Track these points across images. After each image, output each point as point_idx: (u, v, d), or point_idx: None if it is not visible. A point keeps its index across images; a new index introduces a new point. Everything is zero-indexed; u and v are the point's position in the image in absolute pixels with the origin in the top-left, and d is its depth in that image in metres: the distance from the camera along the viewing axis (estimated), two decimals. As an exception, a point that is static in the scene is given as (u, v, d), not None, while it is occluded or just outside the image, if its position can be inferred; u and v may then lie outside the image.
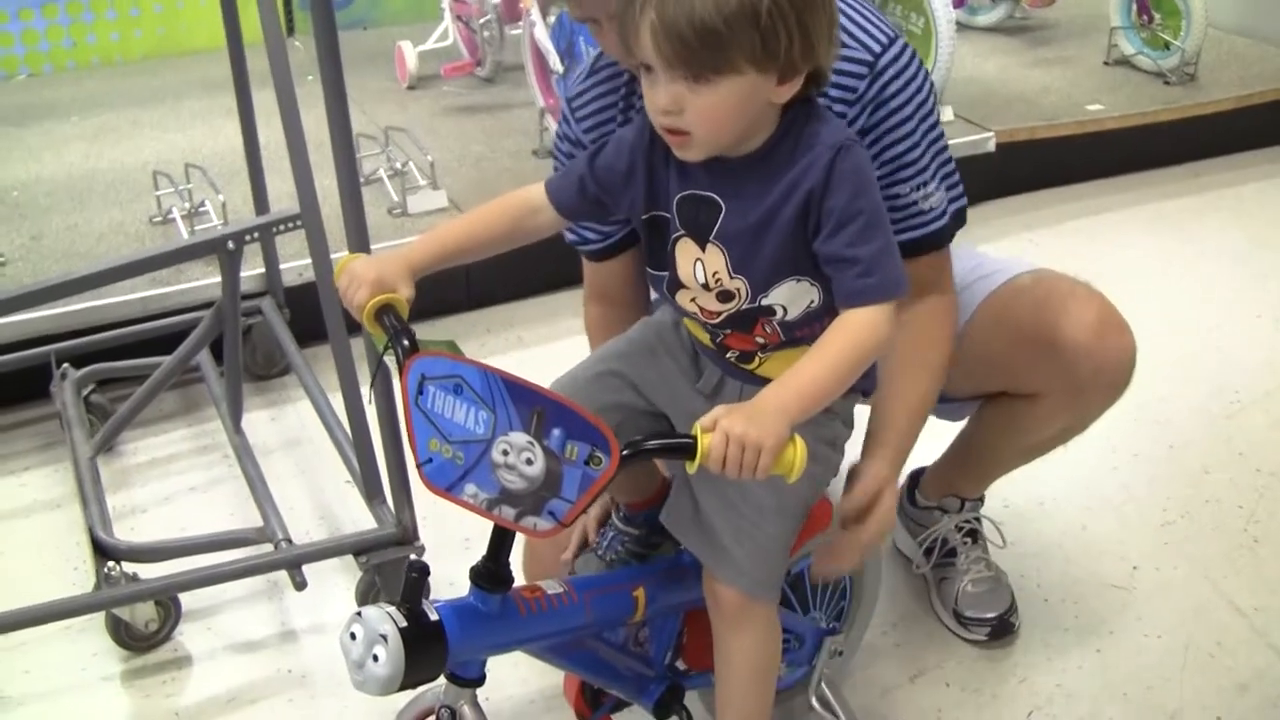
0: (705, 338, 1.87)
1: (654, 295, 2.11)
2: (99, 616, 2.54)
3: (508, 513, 1.55)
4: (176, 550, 2.62)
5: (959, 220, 2.13)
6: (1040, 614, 2.65)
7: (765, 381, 1.76)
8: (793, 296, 1.74)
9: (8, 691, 2.48)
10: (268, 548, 2.59)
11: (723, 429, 1.53)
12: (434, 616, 1.62)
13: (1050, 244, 4.25)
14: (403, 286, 1.74)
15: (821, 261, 1.69)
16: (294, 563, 2.53)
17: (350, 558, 2.59)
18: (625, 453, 1.52)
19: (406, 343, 1.66)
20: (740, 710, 1.97)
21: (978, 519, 2.66)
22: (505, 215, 1.84)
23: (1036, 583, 2.73)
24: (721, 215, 1.71)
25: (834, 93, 1.94)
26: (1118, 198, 4.69)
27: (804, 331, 1.78)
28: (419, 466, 1.59)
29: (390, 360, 1.70)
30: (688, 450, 1.54)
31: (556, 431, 1.49)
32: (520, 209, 1.84)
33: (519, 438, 1.51)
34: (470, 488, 1.56)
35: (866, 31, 1.98)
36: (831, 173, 1.64)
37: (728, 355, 1.87)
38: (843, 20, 1.90)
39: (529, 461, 1.51)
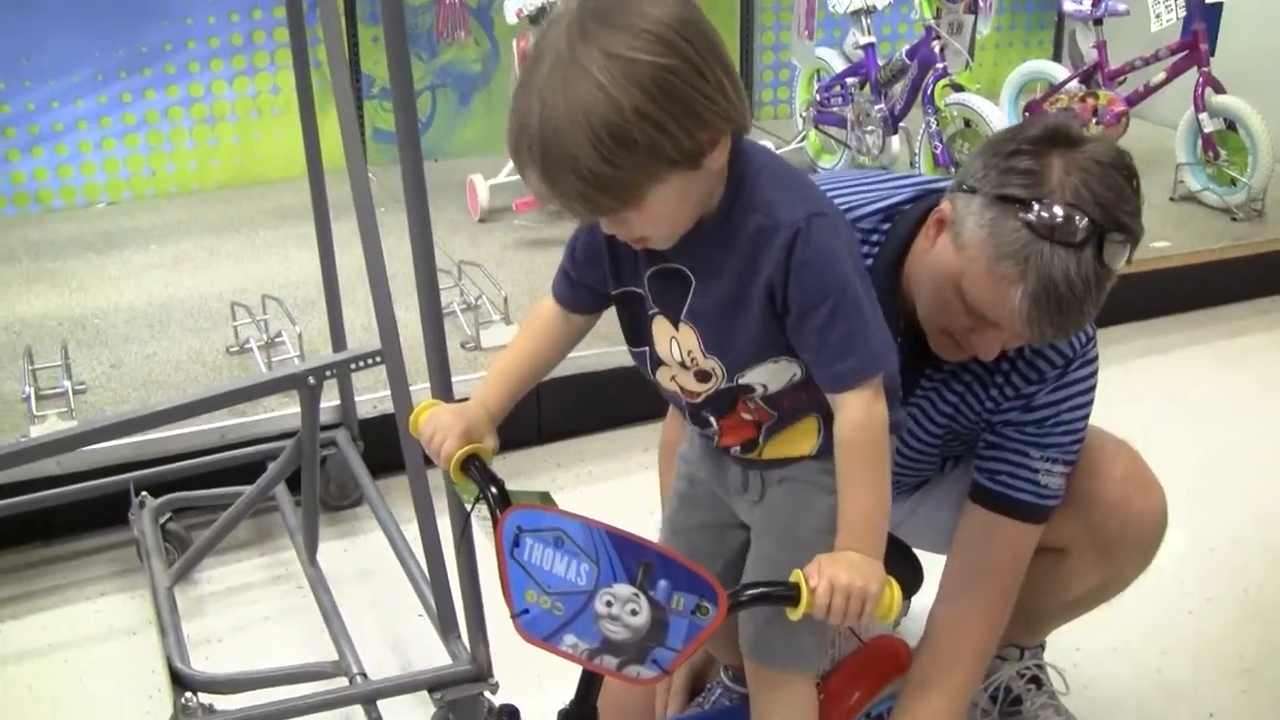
0: (710, 441, 1.88)
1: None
2: (175, 746, 2.56)
3: (610, 662, 1.57)
4: (252, 682, 2.64)
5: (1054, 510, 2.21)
6: (1115, 761, 2.63)
7: (779, 466, 1.84)
8: (772, 374, 1.73)
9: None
10: (342, 681, 2.61)
11: (828, 579, 1.59)
12: None
13: (1113, 381, 4.20)
14: (488, 436, 1.78)
15: (797, 348, 1.69)
16: (369, 698, 2.55)
17: (424, 692, 2.60)
18: (731, 603, 1.55)
19: (497, 491, 1.68)
20: None
21: (1040, 665, 2.64)
22: (544, 335, 1.87)
23: (1111, 728, 2.71)
24: (691, 288, 1.69)
25: (1022, 367, 2.11)
26: (1183, 335, 4.69)
27: (791, 400, 1.77)
28: (514, 617, 1.60)
29: (476, 509, 1.73)
30: (791, 599, 1.60)
31: (663, 583, 1.52)
32: (550, 322, 1.87)
33: (624, 589, 1.53)
34: (570, 638, 1.57)
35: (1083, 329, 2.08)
36: (791, 258, 1.61)
37: (731, 452, 1.87)
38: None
39: (634, 612, 1.53)
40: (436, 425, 1.76)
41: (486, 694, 2.58)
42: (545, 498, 1.68)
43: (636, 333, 1.82)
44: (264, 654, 2.91)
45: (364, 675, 2.61)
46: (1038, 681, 2.62)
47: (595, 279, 1.81)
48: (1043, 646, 2.65)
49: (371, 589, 3.18)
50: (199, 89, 5.44)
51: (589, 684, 1.69)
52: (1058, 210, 1.83)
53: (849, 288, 1.64)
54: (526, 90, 1.50)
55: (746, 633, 1.95)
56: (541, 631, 1.59)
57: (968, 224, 1.93)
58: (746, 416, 1.80)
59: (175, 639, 2.70)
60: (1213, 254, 4.83)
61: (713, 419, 1.83)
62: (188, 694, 2.52)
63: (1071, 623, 2.58)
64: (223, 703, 2.55)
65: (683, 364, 1.76)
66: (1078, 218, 1.83)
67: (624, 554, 1.53)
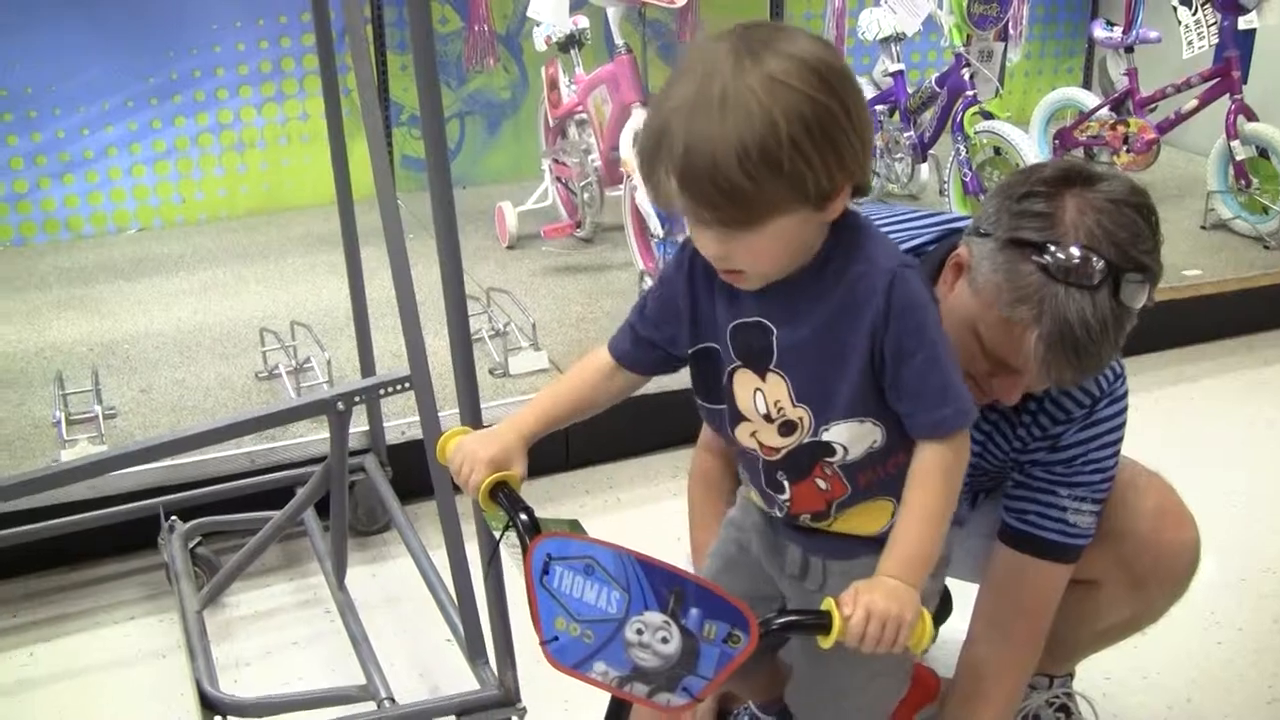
0: (776, 513, 1.85)
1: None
2: (203, 770, 2.56)
3: (640, 689, 1.56)
4: (281, 706, 2.64)
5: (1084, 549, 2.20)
6: (1147, 790, 2.61)
7: (843, 545, 1.82)
8: (854, 436, 1.70)
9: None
10: (370, 705, 2.61)
11: (864, 606, 1.57)
12: None
13: (1144, 409, 4.19)
14: (517, 464, 1.76)
15: (892, 396, 1.66)
16: (397, 723, 2.54)
17: (452, 717, 2.59)
18: (763, 631, 1.54)
19: (526, 519, 1.68)
20: None
21: (1069, 694, 2.62)
22: (591, 383, 1.85)
23: (1141, 757, 2.69)
24: (775, 338, 1.68)
25: (1049, 407, 2.11)
26: (1215, 363, 4.67)
27: (867, 477, 1.75)
28: (543, 644, 1.60)
29: (505, 536, 1.71)
30: (823, 627, 1.58)
31: (694, 611, 1.51)
32: (599, 373, 1.85)
33: (655, 617, 1.52)
34: (600, 665, 1.57)
35: (1110, 367, 2.10)
36: (891, 300, 1.61)
37: (800, 519, 1.83)
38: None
39: (664, 640, 1.53)
40: (465, 455, 1.75)
41: (514, 719, 2.57)
42: (575, 525, 1.66)
43: (712, 390, 1.79)
44: (292, 678, 2.91)
45: (392, 700, 2.60)
46: (1067, 710, 2.59)
47: (665, 338, 1.80)
48: (1072, 675, 2.62)
49: (399, 614, 3.18)
50: (228, 116, 5.49)
51: (617, 711, 1.70)
52: (1073, 252, 1.82)
53: (941, 337, 1.65)
54: (672, 98, 1.52)
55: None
56: (571, 659, 1.58)
57: (983, 269, 1.91)
58: (821, 485, 1.77)
59: (204, 662, 2.70)
60: (1244, 282, 4.80)
61: (787, 483, 1.79)
62: (217, 718, 2.52)
63: (1102, 651, 2.56)
64: (251, 727, 2.56)
65: (767, 416, 1.73)
66: (1093, 259, 1.81)
67: (655, 581, 1.52)
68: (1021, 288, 1.85)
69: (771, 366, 1.70)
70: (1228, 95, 5.08)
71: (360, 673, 2.72)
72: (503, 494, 1.72)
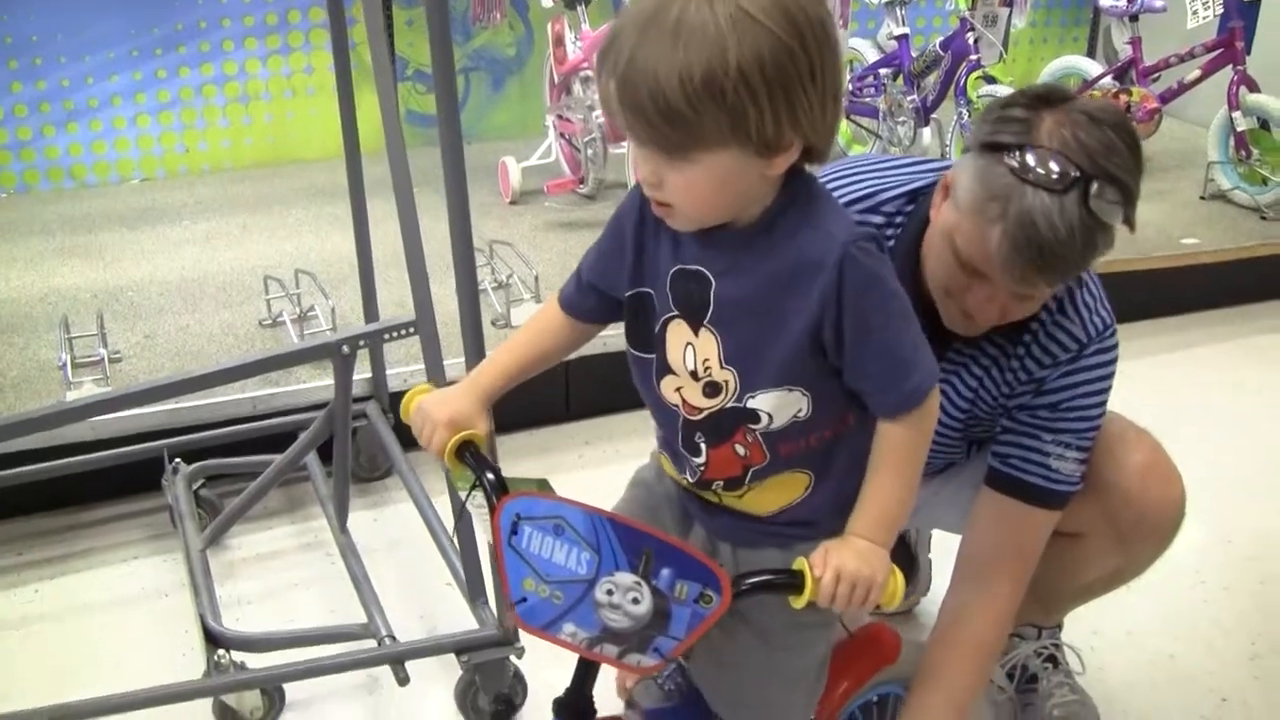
0: (688, 477, 1.79)
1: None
2: (206, 703, 2.60)
3: (610, 650, 1.56)
4: (284, 641, 2.68)
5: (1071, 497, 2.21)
6: (1130, 741, 2.65)
7: (749, 533, 1.79)
8: (781, 405, 1.65)
9: (117, 774, 2.55)
10: (371, 643, 2.65)
11: (834, 567, 1.58)
12: None
13: (1139, 375, 4.21)
14: (479, 421, 1.74)
15: (852, 376, 1.63)
16: (398, 658, 2.57)
17: (450, 657, 2.63)
18: (736, 591, 1.53)
19: (493, 478, 1.66)
20: None
21: (1056, 645, 2.66)
22: (548, 332, 1.84)
23: (1124, 710, 2.73)
24: (713, 291, 1.63)
25: (1036, 351, 2.12)
26: (1210, 331, 4.71)
27: (789, 448, 1.70)
28: (511, 606, 1.59)
29: (472, 497, 1.69)
30: (796, 587, 1.58)
31: (666, 571, 1.50)
32: (551, 324, 1.84)
33: (626, 578, 1.52)
34: (569, 627, 1.56)
35: (1096, 313, 2.13)
36: (846, 275, 1.56)
37: (713, 486, 1.77)
38: (1081, 294, 2.11)
39: (635, 601, 1.52)
40: (424, 415, 1.73)
41: (512, 658, 2.62)
42: (543, 485, 1.64)
43: (643, 338, 1.73)
44: (293, 618, 2.95)
45: (392, 637, 2.64)
46: (1054, 660, 2.64)
47: (608, 282, 1.77)
48: (1060, 627, 2.67)
49: (400, 558, 3.22)
50: (233, 67, 5.48)
51: (585, 673, 1.69)
52: (1044, 155, 1.85)
53: (901, 299, 1.62)
54: (635, 6, 1.47)
55: (719, 700, 1.94)
56: (539, 620, 1.57)
57: (962, 180, 1.96)
58: (740, 451, 1.71)
59: (208, 599, 2.74)
60: (1242, 252, 4.83)
61: (704, 446, 1.73)
62: (220, 651, 2.56)
63: (1089, 607, 2.59)
64: (254, 661, 2.60)
65: (694, 374, 1.68)
66: (1063, 163, 1.84)
67: (626, 541, 1.51)
68: (992, 187, 1.88)
69: (706, 321, 1.65)
70: (1231, 66, 5.09)
71: (361, 613, 2.76)
72: (469, 453, 1.69)
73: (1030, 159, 1.86)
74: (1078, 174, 1.84)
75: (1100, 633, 2.89)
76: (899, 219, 2.15)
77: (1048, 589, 2.50)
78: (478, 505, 1.70)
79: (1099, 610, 2.63)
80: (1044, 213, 1.83)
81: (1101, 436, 2.24)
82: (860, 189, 2.18)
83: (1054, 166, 1.84)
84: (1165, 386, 4.15)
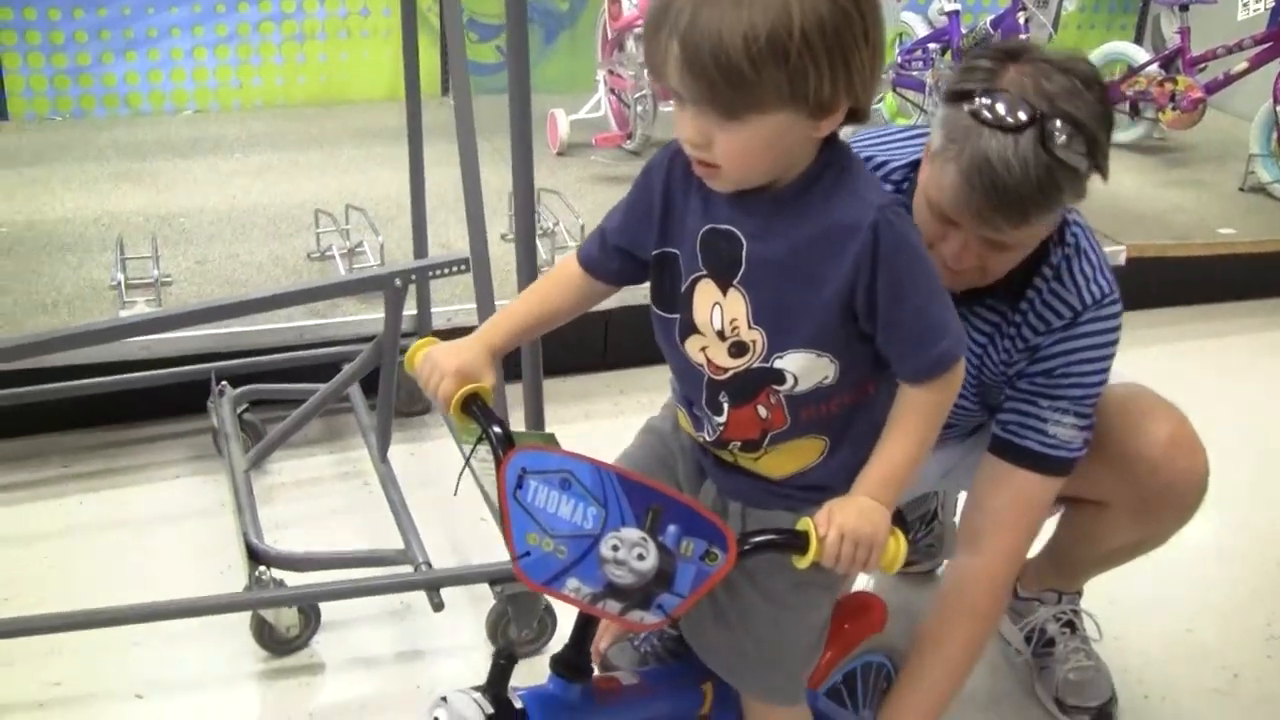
0: (705, 436, 1.79)
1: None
2: (244, 618, 2.68)
3: (613, 606, 1.54)
4: (324, 562, 2.75)
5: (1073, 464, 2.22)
6: (1140, 710, 2.70)
7: (760, 493, 1.80)
8: (808, 368, 1.65)
9: (160, 676, 2.63)
10: (407, 569, 2.72)
11: (838, 527, 1.58)
12: (518, 705, 1.67)
13: (1169, 360, 4.27)
14: (486, 374, 1.73)
15: (884, 338, 1.63)
16: (433, 585, 2.65)
17: (481, 590, 2.71)
18: (741, 549, 1.54)
19: (500, 432, 1.66)
20: None
21: (1075, 611, 2.70)
22: (558, 291, 1.84)
23: (1138, 679, 2.77)
24: (745, 251, 1.62)
25: (1032, 319, 2.15)
26: (1243, 321, 4.73)
27: (810, 412, 1.70)
28: (514, 559, 1.57)
29: (477, 450, 1.70)
30: (800, 547, 1.58)
31: (672, 528, 1.50)
32: (568, 282, 1.83)
33: (632, 534, 1.51)
34: (573, 582, 1.55)
35: (1094, 281, 2.16)
36: (881, 240, 1.56)
37: (730, 447, 1.77)
38: (1079, 262, 2.14)
39: (640, 557, 1.51)
40: (432, 365, 1.72)
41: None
42: (550, 439, 1.65)
43: (668, 298, 1.72)
44: (331, 542, 2.99)
45: (428, 564, 2.71)
46: (1072, 626, 2.68)
47: (633, 241, 1.76)
48: (1080, 594, 2.72)
49: (435, 493, 3.26)
50: (291, 5, 5.56)
51: (584, 629, 1.70)
52: (1000, 97, 1.89)
53: (932, 272, 1.63)
54: None
55: (744, 673, 1.92)
56: (542, 575, 1.56)
57: (933, 130, 2.00)
58: (762, 413, 1.70)
59: (251, 518, 2.81)
60: (1277, 245, 4.85)
61: (727, 406, 1.72)
62: (261, 568, 2.63)
63: (1109, 576, 2.64)
64: (293, 579, 2.67)
65: (721, 334, 1.67)
66: (1018, 104, 1.88)
67: (634, 497, 1.50)
68: (953, 131, 1.93)
69: (736, 282, 1.64)
70: (1278, 60, 5.11)
71: (399, 540, 2.82)
72: (476, 406, 1.68)
73: (987, 100, 1.90)
74: (1034, 115, 1.88)
75: (1118, 602, 2.93)
76: (906, 185, 2.19)
77: (1069, 556, 2.55)
78: (482, 459, 1.71)
79: (1118, 580, 2.67)
80: (998, 151, 1.87)
81: (1128, 409, 2.28)
82: (873, 160, 2.22)
83: (1010, 107, 1.88)
84: (1192, 370, 4.19)
